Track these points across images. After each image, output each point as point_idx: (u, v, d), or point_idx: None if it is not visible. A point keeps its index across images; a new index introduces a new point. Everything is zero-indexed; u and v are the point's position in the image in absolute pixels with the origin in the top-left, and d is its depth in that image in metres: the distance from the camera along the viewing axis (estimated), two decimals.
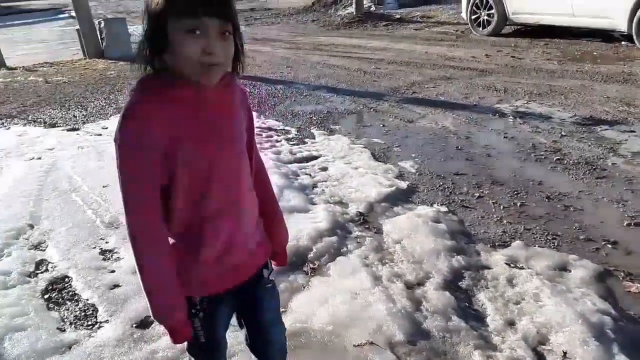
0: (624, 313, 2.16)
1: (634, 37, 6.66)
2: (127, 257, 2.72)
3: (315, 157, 4.02)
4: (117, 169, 1.06)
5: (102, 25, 9.07)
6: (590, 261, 2.51)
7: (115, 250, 2.81)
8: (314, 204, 3.24)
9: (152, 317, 1.23)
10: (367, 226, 2.97)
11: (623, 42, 7.30)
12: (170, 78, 1.07)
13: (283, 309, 2.27)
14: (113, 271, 2.60)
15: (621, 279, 2.39)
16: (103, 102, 6.06)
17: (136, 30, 12.41)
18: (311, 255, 2.67)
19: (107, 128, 5.01)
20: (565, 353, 1.95)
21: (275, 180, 3.46)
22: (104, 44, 9.11)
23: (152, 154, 1.05)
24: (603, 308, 2.17)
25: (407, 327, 2.12)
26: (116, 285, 2.48)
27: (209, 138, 1.11)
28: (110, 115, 5.47)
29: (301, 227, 2.88)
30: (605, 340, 1.99)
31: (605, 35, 7.68)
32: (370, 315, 2.20)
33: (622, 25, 6.78)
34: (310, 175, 3.69)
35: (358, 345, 2.04)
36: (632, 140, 3.93)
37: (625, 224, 2.83)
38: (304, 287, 2.43)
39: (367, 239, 2.82)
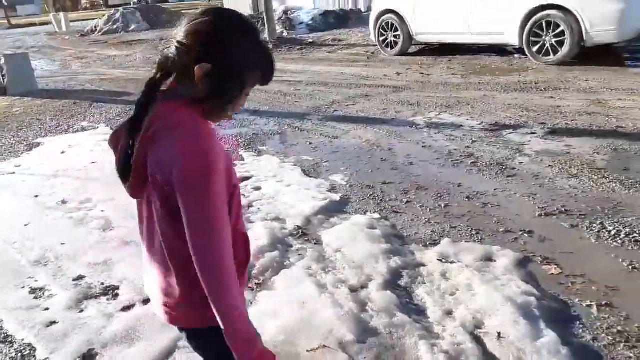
0: (546, 293, 2.40)
1: (525, 49, 7.40)
2: (60, 293, 2.60)
3: (247, 178, 4.05)
4: (199, 197, 1.00)
5: (3, 61, 8.55)
6: (511, 250, 2.76)
7: (46, 288, 2.66)
8: (251, 222, 3.27)
9: (234, 350, 1.07)
10: (306, 239, 3.06)
11: (516, 55, 8.07)
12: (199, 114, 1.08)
13: None
14: (47, 309, 2.48)
15: (539, 263, 2.65)
16: (12, 139, 5.69)
17: (39, 64, 11.80)
18: (255, 271, 2.70)
19: (19, 166, 4.72)
20: (499, 334, 2.13)
21: None
22: (5, 80, 8.58)
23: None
24: (527, 290, 2.40)
25: (356, 328, 2.21)
26: (53, 322, 2.37)
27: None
28: (22, 153, 5.16)
29: None
30: (532, 318, 2.20)
31: (501, 50, 8.45)
32: (320, 321, 2.27)
33: (514, 40, 7.52)
34: (244, 195, 3.72)
35: (311, 350, 2.10)
36: (534, 141, 4.37)
37: (537, 215, 3.14)
38: (251, 303, 2.45)
39: (308, 250, 2.90)
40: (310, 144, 4.86)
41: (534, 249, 2.78)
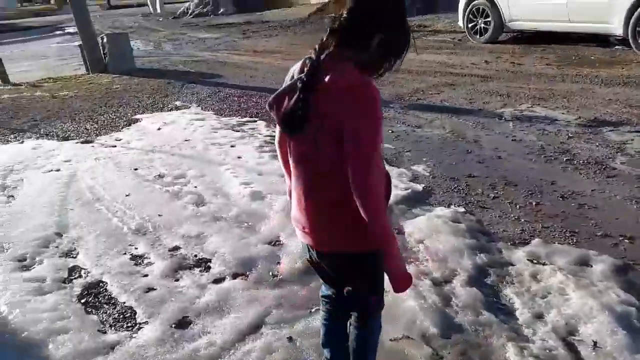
0: None
1: (630, 41, 6.82)
2: (157, 262, 2.79)
3: None
4: (368, 130, 1.28)
5: (105, 40, 9.17)
6: (609, 256, 2.59)
7: (145, 256, 2.87)
8: None
9: (397, 272, 1.44)
10: None
11: (619, 47, 7.46)
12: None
13: (317, 307, 2.34)
14: (146, 275, 2.67)
15: None
16: (113, 115, 6.13)
17: (135, 44, 12.54)
18: None
19: (120, 140, 5.09)
20: (595, 342, 2.03)
21: None
22: (106, 59, 9.20)
23: None
24: (627, 299, 2.25)
25: (440, 322, 2.20)
26: (151, 289, 2.55)
27: None
28: (122, 127, 5.55)
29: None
30: (632, 329, 2.07)
31: (602, 40, 7.85)
32: (403, 311, 2.28)
33: (618, 30, 6.95)
34: None
35: (394, 340, 2.11)
36: (638, 140, 4.04)
37: (639, 220, 2.92)
38: None
39: None
40: (392, 132, 4.81)
41: (635, 256, 2.60)
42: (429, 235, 2.91)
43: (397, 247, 1.42)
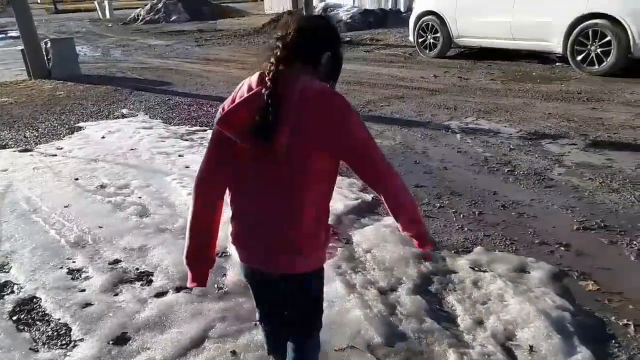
0: (581, 309, 2.34)
1: (569, 58, 7.21)
2: (96, 276, 2.68)
3: None
4: (362, 129, 1.39)
5: (49, 45, 8.82)
6: (546, 263, 2.70)
7: (83, 270, 2.75)
8: None
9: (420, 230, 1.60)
10: (337, 237, 3.06)
11: (558, 63, 7.87)
12: None
13: None
14: (83, 290, 2.55)
15: (575, 278, 2.58)
16: (54, 122, 5.88)
17: (82, 50, 12.14)
18: None
19: (61, 148, 4.88)
20: (531, 347, 2.09)
21: None
22: (50, 64, 8.85)
23: None
24: (562, 304, 2.34)
25: (384, 331, 2.21)
26: (88, 304, 2.44)
27: None
28: (64, 136, 5.33)
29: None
30: (566, 333, 2.15)
31: (543, 57, 8.25)
32: (348, 321, 2.28)
33: (557, 48, 7.33)
34: None
35: (339, 350, 2.11)
36: (575, 152, 4.26)
37: (575, 228, 3.06)
38: None
39: (339, 249, 2.90)
40: None
41: (570, 263, 2.71)
42: (376, 244, 2.94)
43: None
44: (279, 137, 1.30)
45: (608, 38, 6.63)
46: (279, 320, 1.71)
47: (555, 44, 7.31)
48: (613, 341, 2.14)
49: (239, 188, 1.46)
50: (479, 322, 2.27)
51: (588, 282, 2.54)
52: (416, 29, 9.40)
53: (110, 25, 20.09)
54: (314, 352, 1.73)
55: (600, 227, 3.05)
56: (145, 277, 2.68)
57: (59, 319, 2.34)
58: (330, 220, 3.20)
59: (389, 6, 16.26)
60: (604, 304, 2.37)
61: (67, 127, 5.67)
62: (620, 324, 2.23)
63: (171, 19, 19.95)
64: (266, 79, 1.33)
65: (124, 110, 6.33)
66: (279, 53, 1.37)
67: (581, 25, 6.88)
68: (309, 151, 1.33)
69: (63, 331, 2.26)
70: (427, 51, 9.36)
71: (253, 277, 1.58)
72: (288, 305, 1.61)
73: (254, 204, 1.44)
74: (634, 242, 2.85)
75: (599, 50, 6.80)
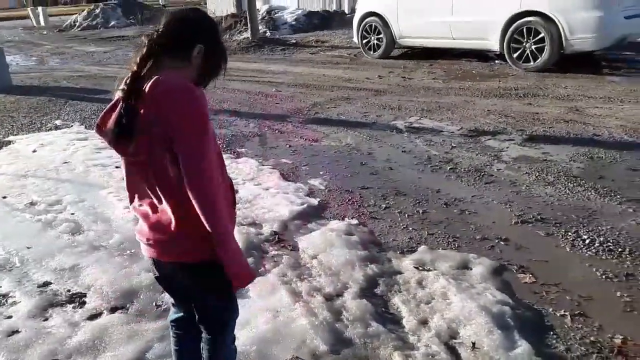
0: (521, 302, 2.39)
1: (506, 56, 7.47)
2: (24, 301, 2.50)
3: None
4: (194, 126, 1.30)
5: None
6: (487, 258, 2.75)
7: (10, 295, 2.57)
8: None
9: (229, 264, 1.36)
10: (282, 245, 3.01)
11: (497, 61, 8.13)
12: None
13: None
14: (10, 317, 2.38)
15: (515, 271, 2.64)
16: None
17: (14, 60, 11.51)
18: None
19: None
20: (474, 344, 2.11)
21: None
22: None
23: None
24: (502, 299, 2.38)
25: (330, 338, 2.17)
26: (15, 331, 2.27)
27: None
28: None
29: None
30: (507, 328, 2.19)
31: (482, 55, 8.51)
32: (293, 331, 2.23)
33: (495, 46, 7.58)
34: None
35: None
36: (512, 148, 4.39)
37: (513, 222, 3.14)
38: None
39: (284, 257, 2.85)
40: (290, 146, 4.81)
41: (509, 257, 2.77)
42: (323, 249, 2.90)
43: (235, 243, 1.39)
44: (137, 138, 1.31)
45: (542, 35, 6.90)
46: (188, 317, 1.69)
47: (493, 42, 7.56)
48: (551, 332, 2.19)
49: (130, 184, 1.51)
50: (424, 322, 2.27)
51: (526, 275, 2.60)
52: (360, 30, 9.49)
53: (45, 32, 19.19)
54: (225, 354, 1.71)
55: (537, 220, 3.14)
56: (77, 299, 2.52)
57: None
58: (276, 227, 3.18)
59: (334, 7, 16.35)
60: (542, 296, 2.43)
61: None
62: (558, 314, 2.30)
63: (110, 25, 19.28)
64: (121, 85, 1.33)
65: (58, 122, 6.02)
66: (144, 51, 1.35)
67: (516, 23, 7.14)
68: (165, 149, 1.31)
69: None
70: (372, 52, 9.46)
71: (156, 269, 1.56)
72: (192, 296, 1.59)
73: (140, 200, 1.48)
74: (569, 233, 2.95)
75: (533, 47, 7.08)
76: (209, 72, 1.46)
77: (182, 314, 1.68)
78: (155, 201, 1.42)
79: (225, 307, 1.59)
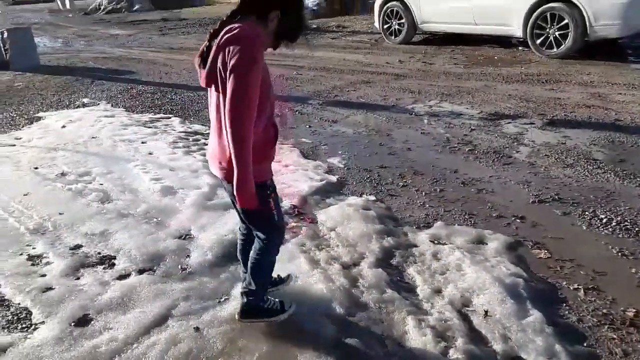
0: (534, 275, 2.45)
1: (529, 42, 7.38)
2: (57, 261, 2.64)
3: None
4: (237, 66, 1.53)
5: (6, 35, 8.50)
6: (502, 234, 2.80)
7: (44, 255, 2.71)
8: None
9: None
10: (302, 217, 3.09)
11: (520, 47, 8.05)
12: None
13: (226, 297, 2.34)
14: (44, 275, 2.52)
15: (530, 247, 2.69)
16: (13, 113, 5.71)
17: (41, 41, 11.75)
18: None
19: (20, 138, 4.75)
20: (486, 312, 2.18)
21: (209, 181, 3.52)
22: (8, 55, 8.55)
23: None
24: (516, 272, 2.44)
25: (346, 302, 2.26)
26: (49, 288, 2.41)
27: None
28: (23, 126, 5.18)
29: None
30: (519, 298, 2.25)
31: (504, 42, 8.42)
32: (310, 294, 2.32)
33: (518, 32, 7.50)
34: None
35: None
36: (532, 131, 4.39)
37: (530, 202, 3.17)
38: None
39: (303, 228, 2.93)
40: (310, 127, 4.88)
41: (525, 234, 2.82)
42: (340, 222, 2.98)
43: (250, 174, 1.63)
44: (210, 70, 1.64)
45: (566, 21, 6.81)
46: (246, 227, 2.15)
47: (516, 28, 7.47)
48: (564, 304, 2.24)
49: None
50: (438, 291, 2.34)
51: (541, 251, 2.64)
52: (381, 15, 9.45)
53: (70, 15, 19.46)
54: (264, 256, 2.03)
55: (554, 199, 3.17)
56: (107, 261, 2.66)
57: (19, 304, 2.31)
58: (296, 201, 3.26)
59: None
60: (556, 270, 2.48)
61: (25, 117, 5.52)
62: (571, 288, 2.34)
63: (134, 9, 19.45)
64: (211, 30, 1.68)
65: (85, 100, 6.19)
66: (235, 7, 1.69)
67: (540, 9, 7.04)
68: (224, 86, 1.59)
69: (23, 315, 2.23)
70: (393, 37, 9.42)
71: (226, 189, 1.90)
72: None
73: (212, 127, 1.81)
74: (586, 213, 2.98)
75: (557, 34, 6.98)
76: (283, 37, 1.71)
77: (243, 224, 2.08)
78: (221, 127, 1.70)
79: (263, 220, 1.91)
